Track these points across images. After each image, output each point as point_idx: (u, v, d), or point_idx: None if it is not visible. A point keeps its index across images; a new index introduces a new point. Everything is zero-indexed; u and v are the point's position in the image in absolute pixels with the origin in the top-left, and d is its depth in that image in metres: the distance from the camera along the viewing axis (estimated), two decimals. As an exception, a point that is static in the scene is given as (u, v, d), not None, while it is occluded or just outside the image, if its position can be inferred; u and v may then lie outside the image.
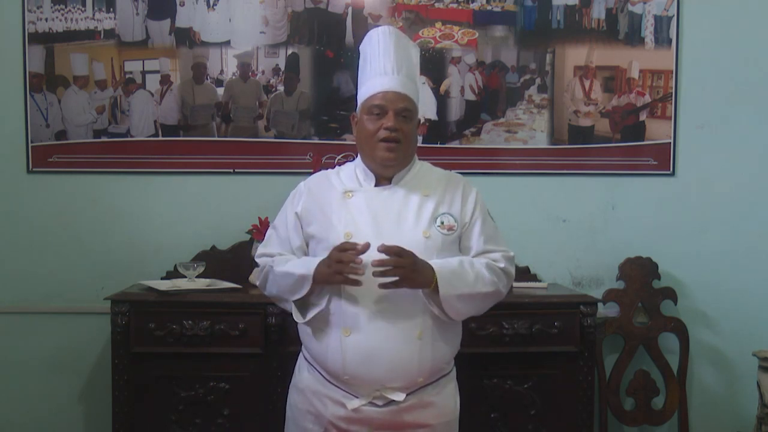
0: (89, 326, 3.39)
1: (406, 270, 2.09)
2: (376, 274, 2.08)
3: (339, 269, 2.09)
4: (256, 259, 2.36)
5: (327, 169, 2.44)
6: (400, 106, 2.23)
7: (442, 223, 2.24)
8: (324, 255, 2.17)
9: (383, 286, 2.09)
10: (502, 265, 2.26)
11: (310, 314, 2.21)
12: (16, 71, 3.40)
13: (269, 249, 2.33)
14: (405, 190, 2.27)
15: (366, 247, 2.08)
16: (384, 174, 2.29)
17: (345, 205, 2.24)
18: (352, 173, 2.32)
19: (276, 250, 2.31)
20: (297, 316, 2.24)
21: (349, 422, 2.19)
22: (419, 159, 2.37)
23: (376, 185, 2.29)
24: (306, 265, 2.18)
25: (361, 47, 2.36)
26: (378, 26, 2.38)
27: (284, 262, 2.25)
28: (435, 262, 2.14)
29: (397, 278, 2.08)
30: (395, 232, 2.19)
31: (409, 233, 2.20)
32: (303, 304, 2.24)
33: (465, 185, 2.34)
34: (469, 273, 2.18)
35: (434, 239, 2.21)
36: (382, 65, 2.26)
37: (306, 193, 2.32)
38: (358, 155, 2.34)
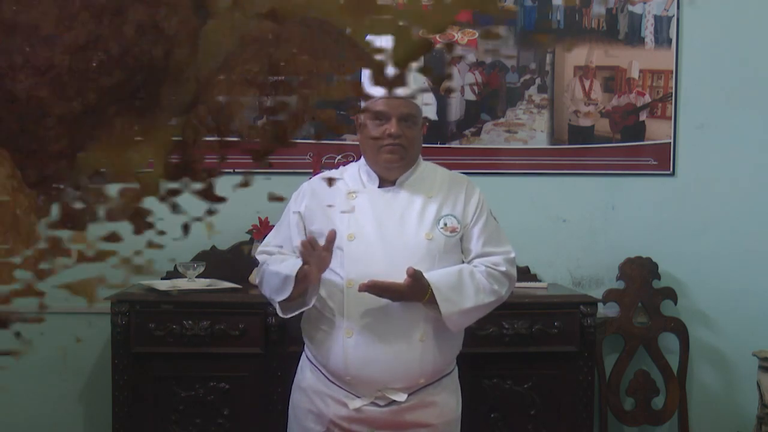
0: (89, 326, 3.39)
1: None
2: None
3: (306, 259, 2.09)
4: (257, 256, 2.34)
5: (327, 169, 2.43)
6: (404, 112, 2.20)
7: (445, 224, 2.24)
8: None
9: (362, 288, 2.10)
10: (502, 269, 2.24)
11: (291, 313, 2.20)
12: (16, 71, 3.39)
13: (269, 247, 2.32)
14: (408, 191, 2.26)
15: (332, 234, 2.08)
16: (388, 177, 2.28)
17: (348, 206, 2.23)
18: (356, 174, 2.31)
19: (276, 248, 2.30)
20: (280, 312, 2.22)
21: (351, 422, 2.19)
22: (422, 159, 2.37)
23: (379, 186, 2.28)
24: (292, 267, 2.15)
25: None
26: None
27: (279, 261, 2.23)
28: (433, 278, 2.12)
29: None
30: (398, 234, 2.19)
31: (411, 235, 2.20)
32: (290, 307, 2.22)
33: (468, 186, 2.33)
34: (470, 286, 2.16)
35: (437, 241, 2.21)
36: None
37: (309, 193, 2.31)
38: (362, 157, 2.33)
